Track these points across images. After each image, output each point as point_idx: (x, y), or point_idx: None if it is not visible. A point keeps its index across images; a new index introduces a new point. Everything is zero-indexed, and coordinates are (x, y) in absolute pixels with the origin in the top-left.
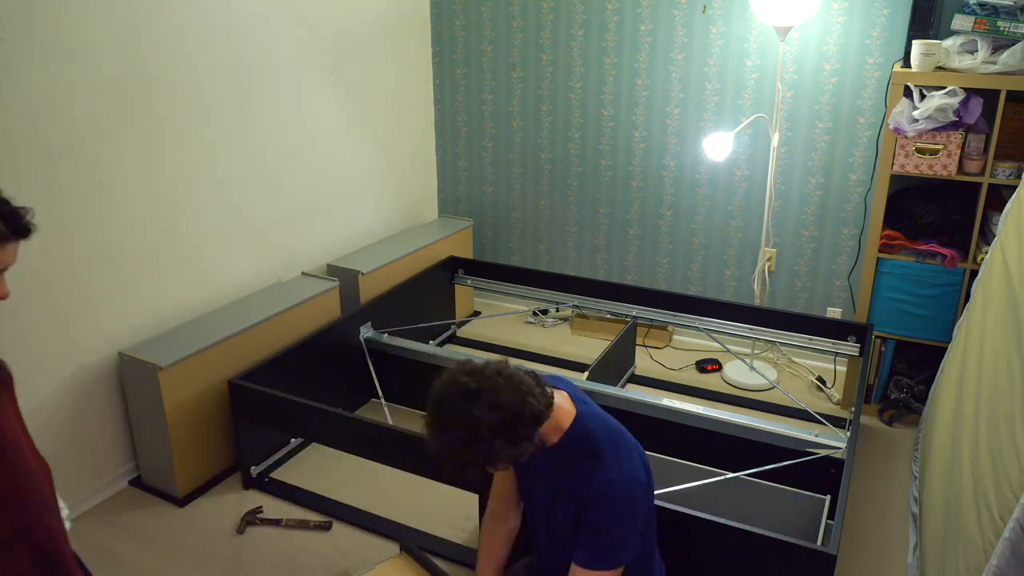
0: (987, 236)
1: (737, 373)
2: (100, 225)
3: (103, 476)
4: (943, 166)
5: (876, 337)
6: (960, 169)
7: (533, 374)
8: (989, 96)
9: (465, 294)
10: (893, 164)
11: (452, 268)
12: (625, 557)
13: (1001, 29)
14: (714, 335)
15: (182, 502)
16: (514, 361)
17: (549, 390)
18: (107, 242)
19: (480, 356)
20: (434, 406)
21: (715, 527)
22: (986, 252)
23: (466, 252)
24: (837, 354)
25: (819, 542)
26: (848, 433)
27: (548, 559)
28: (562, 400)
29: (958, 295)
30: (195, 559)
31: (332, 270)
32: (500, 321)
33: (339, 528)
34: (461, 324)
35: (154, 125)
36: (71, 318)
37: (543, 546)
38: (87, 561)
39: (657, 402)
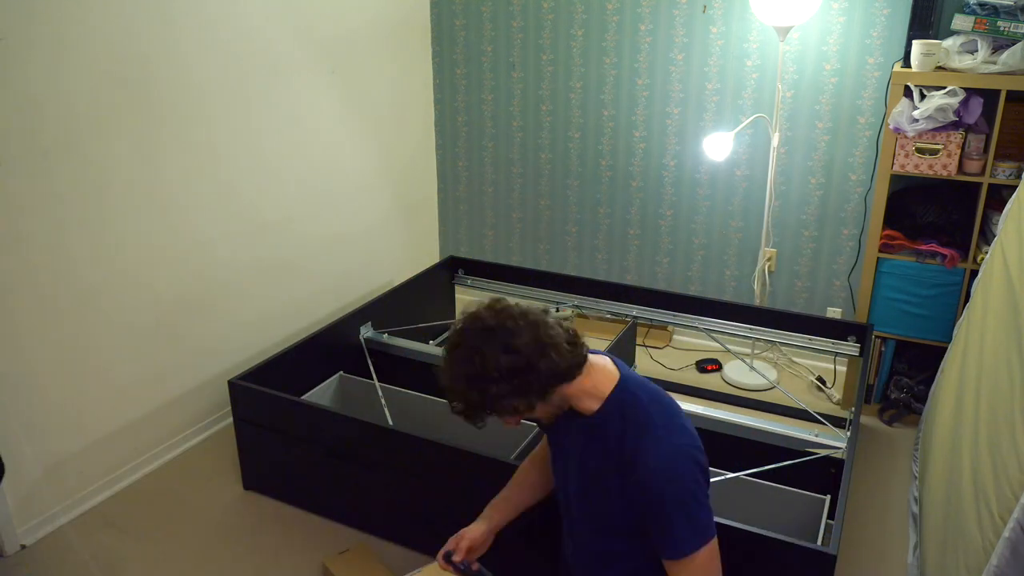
0: (987, 236)
1: (737, 373)
2: (98, 224)
3: None
4: (943, 166)
5: (876, 337)
6: (960, 169)
7: (570, 330)
8: (989, 96)
9: (465, 294)
10: (893, 164)
11: (452, 268)
12: (711, 529)
13: (1001, 29)
14: (714, 335)
15: None
16: None
17: (585, 351)
18: (104, 241)
19: None
20: (451, 337)
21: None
22: (986, 252)
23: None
24: (837, 354)
25: (819, 542)
26: (848, 433)
27: (577, 549)
28: (603, 364)
29: (958, 295)
30: None
31: None
32: None
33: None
34: None
35: (153, 125)
36: (69, 314)
37: (572, 531)
38: None
39: None
